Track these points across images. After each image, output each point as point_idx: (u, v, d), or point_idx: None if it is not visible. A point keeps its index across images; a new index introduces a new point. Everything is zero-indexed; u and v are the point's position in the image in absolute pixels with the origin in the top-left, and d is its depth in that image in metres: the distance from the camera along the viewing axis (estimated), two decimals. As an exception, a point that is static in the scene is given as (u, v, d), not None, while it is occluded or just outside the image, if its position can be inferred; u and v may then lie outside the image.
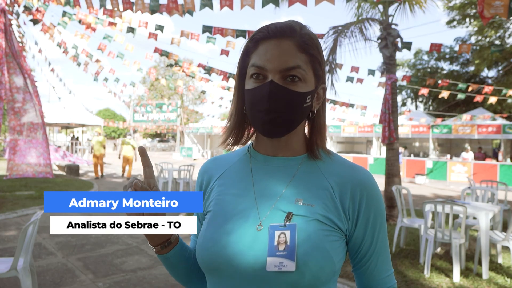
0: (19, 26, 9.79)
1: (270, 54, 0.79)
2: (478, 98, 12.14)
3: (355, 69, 9.73)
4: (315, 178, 0.84)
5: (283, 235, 0.76)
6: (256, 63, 0.80)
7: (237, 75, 0.88)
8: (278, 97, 0.78)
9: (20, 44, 9.81)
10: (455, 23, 20.27)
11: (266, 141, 0.88)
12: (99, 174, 12.79)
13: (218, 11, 5.79)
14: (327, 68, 7.25)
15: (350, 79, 9.92)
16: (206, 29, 7.09)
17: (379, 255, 0.85)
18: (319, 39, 0.98)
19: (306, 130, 0.91)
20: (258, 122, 0.81)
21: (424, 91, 12.00)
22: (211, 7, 5.71)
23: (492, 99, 12.55)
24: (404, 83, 13.74)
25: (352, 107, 12.09)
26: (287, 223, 0.77)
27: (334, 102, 11.53)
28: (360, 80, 10.06)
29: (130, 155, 12.35)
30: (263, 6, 5.19)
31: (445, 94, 12.18)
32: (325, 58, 7.36)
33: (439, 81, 11.79)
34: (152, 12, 6.10)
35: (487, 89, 11.40)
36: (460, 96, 12.06)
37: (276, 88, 0.78)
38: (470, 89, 11.48)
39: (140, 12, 6.21)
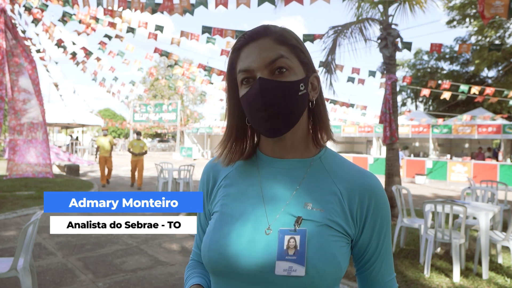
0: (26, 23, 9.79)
1: (252, 55, 0.80)
2: (479, 99, 12.13)
3: (356, 70, 9.73)
4: (323, 182, 0.83)
5: (293, 239, 0.76)
6: (242, 68, 0.81)
7: (228, 89, 0.87)
8: (270, 91, 0.78)
9: (26, 42, 9.77)
10: (455, 23, 20.29)
11: (272, 142, 0.87)
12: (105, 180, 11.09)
13: (216, 10, 5.82)
14: (326, 69, 7.24)
15: (351, 79, 9.92)
16: (206, 29, 7.10)
17: (383, 260, 0.86)
18: (318, 40, 0.99)
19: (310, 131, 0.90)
20: (259, 122, 0.81)
21: (426, 92, 11.98)
22: (206, 5, 5.73)
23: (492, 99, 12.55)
24: (405, 84, 13.70)
25: (352, 107, 12.08)
26: (297, 228, 0.77)
27: (334, 102, 11.53)
28: (361, 81, 10.05)
29: (137, 159, 10.82)
30: (258, 5, 5.19)
31: (446, 95, 12.17)
32: (324, 58, 7.34)
33: (439, 82, 11.78)
34: (153, 11, 6.10)
35: (489, 90, 11.38)
36: (462, 96, 12.05)
37: (266, 83, 0.78)
38: (472, 91, 11.46)
39: (140, 11, 6.21)
